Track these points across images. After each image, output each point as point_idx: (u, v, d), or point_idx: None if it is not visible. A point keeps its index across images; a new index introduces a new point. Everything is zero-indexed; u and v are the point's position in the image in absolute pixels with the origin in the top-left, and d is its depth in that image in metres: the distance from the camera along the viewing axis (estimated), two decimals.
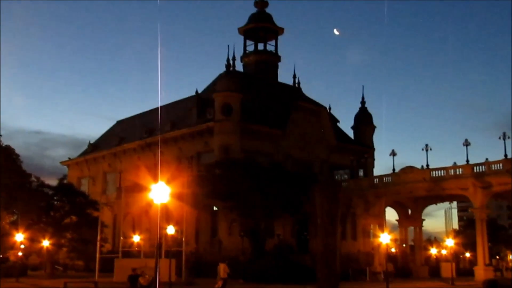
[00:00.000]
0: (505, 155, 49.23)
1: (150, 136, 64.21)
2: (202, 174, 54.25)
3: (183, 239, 42.07)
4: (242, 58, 72.37)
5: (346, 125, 73.59)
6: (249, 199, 48.36)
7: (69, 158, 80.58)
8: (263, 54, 72.78)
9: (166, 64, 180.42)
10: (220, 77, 63.18)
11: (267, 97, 64.97)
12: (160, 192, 16.49)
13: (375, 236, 50.56)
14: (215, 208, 57.15)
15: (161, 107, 61.45)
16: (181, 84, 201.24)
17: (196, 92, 64.34)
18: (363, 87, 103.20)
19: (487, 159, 51.07)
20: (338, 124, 71.83)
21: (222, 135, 57.71)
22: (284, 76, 74.34)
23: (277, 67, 73.54)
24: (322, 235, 21.89)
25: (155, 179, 17.86)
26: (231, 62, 63.24)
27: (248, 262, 46.69)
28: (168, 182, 17.95)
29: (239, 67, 70.20)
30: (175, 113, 64.20)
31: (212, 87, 63.89)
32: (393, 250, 56.92)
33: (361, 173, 68.40)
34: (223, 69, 62.27)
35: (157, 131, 63.34)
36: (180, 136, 61.85)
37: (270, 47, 73.81)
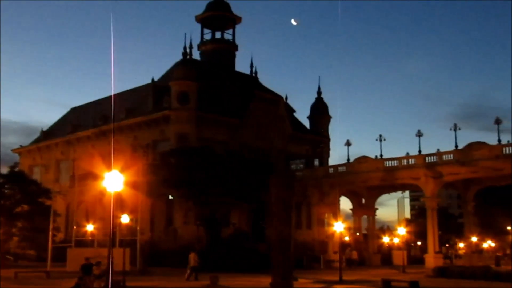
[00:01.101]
0: (456, 146, 50.51)
1: (105, 124, 63.25)
2: (157, 163, 53.88)
3: (138, 228, 41.77)
4: (199, 47, 71.85)
5: (303, 115, 74.20)
6: (205, 188, 48.26)
7: (21, 145, 78.70)
8: (220, 43, 72.42)
9: (122, 52, 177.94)
10: (177, 65, 62.65)
11: (224, 86, 64.79)
12: (113, 181, 16.29)
13: (330, 224, 51.24)
14: (170, 197, 56.81)
15: (116, 94, 60.20)
16: (138, 72, 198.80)
17: (152, 80, 63.64)
18: (319, 77, 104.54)
19: (438, 149, 52.31)
20: (294, 114, 72.26)
21: (178, 123, 57.36)
22: (241, 65, 74.22)
23: (234, 56, 73.33)
24: (276, 224, 22.04)
25: (109, 167, 17.63)
26: (188, 50, 62.68)
27: (204, 251, 46.65)
28: (122, 170, 17.75)
29: (196, 55, 69.74)
30: (130, 101, 63.39)
31: (168, 75, 63.31)
32: (346, 238, 57.77)
33: (316, 162, 69.12)
34: (180, 57, 61.77)
35: (114, 119, 62.45)
36: (136, 124, 61.17)
37: (228, 36, 73.55)
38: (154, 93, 61.68)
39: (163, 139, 58.64)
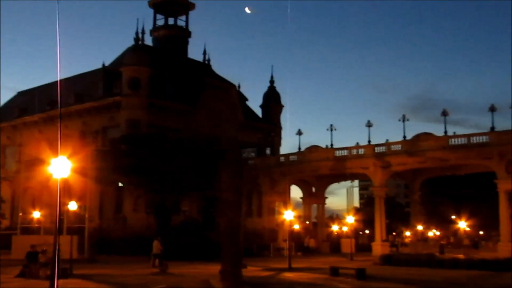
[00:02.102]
0: (404, 137, 51.61)
1: (53, 109, 61.77)
2: (107, 149, 53.05)
3: (86, 215, 41.12)
4: (151, 32, 70.93)
5: (255, 104, 74.35)
6: (156, 175, 47.85)
7: None
8: (173, 29, 71.68)
9: (73, 36, 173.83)
10: (129, 50, 61.68)
11: (176, 73, 64.19)
12: (60, 167, 15.95)
13: (280, 213, 51.66)
14: (120, 184, 56.11)
15: (65, 79, 58.64)
16: (89, 56, 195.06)
17: (103, 65, 62.51)
18: (272, 66, 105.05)
19: (387, 140, 53.38)
20: (247, 102, 72.34)
21: (130, 109, 56.59)
22: (194, 52, 73.80)
23: (187, 43, 72.70)
24: (226, 212, 22.07)
25: (56, 153, 17.23)
26: (140, 35, 61.83)
27: (154, 239, 46.28)
28: (70, 156, 17.39)
29: (148, 41, 68.89)
30: (80, 86, 62.06)
31: (120, 61, 62.26)
32: (296, 226, 58.38)
33: (268, 151, 69.43)
34: (132, 42, 60.85)
35: (61, 104, 60.91)
36: (85, 109, 60.04)
37: (181, 22, 72.88)
38: (105, 78, 60.62)
39: (114, 126, 57.75)
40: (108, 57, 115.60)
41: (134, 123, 56.03)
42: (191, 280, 25.93)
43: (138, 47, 60.38)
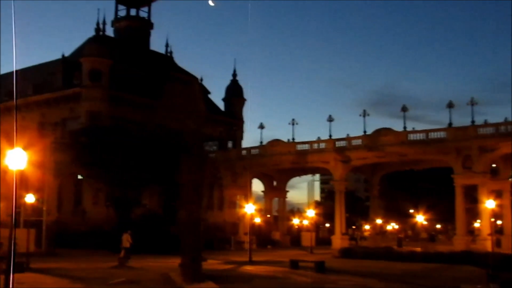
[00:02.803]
0: (364, 132, 52.26)
1: (10, 100, 60.32)
2: (67, 141, 52.15)
3: (44, 208, 40.43)
4: (113, 23, 69.94)
5: (218, 97, 74.19)
6: (116, 168, 47.34)
7: None
8: (135, 20, 70.84)
9: (31, 25, 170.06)
10: (89, 41, 60.71)
11: (138, 65, 63.52)
12: (16, 158, 15.64)
13: (241, 206, 51.77)
14: (80, 177, 55.31)
15: (23, 69, 57.80)
16: (48, 47, 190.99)
17: (63, 55, 61.36)
18: (235, 59, 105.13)
19: (348, 134, 53.95)
20: (209, 95, 72.08)
21: (90, 101, 55.76)
22: (157, 45, 73.05)
23: (149, 34, 71.96)
24: (187, 205, 22.02)
25: (13, 144, 16.88)
26: (101, 26, 60.86)
27: (113, 232, 45.80)
28: (27, 148, 17.05)
29: (109, 32, 67.87)
30: (39, 76, 60.73)
31: (80, 52, 61.20)
32: (257, 220, 58.60)
33: (230, 144, 69.41)
34: (92, 33, 59.89)
35: (17, 94, 59.60)
36: (44, 101, 58.89)
37: (143, 13, 72.06)
38: (64, 69, 59.54)
39: (74, 117, 56.83)
40: (68, 48, 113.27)
41: (94, 115, 55.25)
42: (150, 274, 25.81)
43: (99, 38, 59.49)
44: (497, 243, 46.24)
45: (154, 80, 62.42)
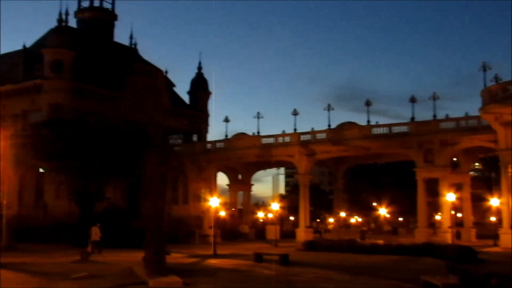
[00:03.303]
0: (329, 125, 52.70)
1: None
2: (28, 134, 51.20)
3: (4, 202, 39.60)
4: (76, 14, 68.72)
5: (183, 90, 73.75)
6: (79, 161, 46.70)
7: None
8: (99, 11, 69.77)
9: None
10: (51, 32, 59.62)
11: (102, 56, 62.61)
12: None
13: (206, 200, 51.63)
14: (41, 170, 54.38)
15: None
16: (9, 38, 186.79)
17: (24, 46, 60.11)
18: (200, 52, 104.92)
19: (313, 128, 54.32)
20: (174, 88, 71.59)
21: (52, 93, 54.81)
22: (121, 36, 72.24)
23: (113, 26, 70.99)
24: (151, 198, 21.84)
25: None
26: (63, 17, 59.85)
27: (76, 226, 45.25)
28: None
29: (72, 23, 66.66)
30: None
31: (42, 43, 60.12)
32: (222, 213, 58.57)
33: (195, 138, 69.15)
34: (55, 24, 58.84)
35: None
36: (4, 92, 57.58)
37: (107, 4, 71.02)
38: (26, 60, 58.39)
39: (35, 109, 55.78)
40: (29, 39, 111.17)
41: (56, 107, 54.36)
42: (113, 268, 25.54)
43: (61, 28, 58.47)
44: (457, 235, 47.31)
45: (118, 72, 61.67)
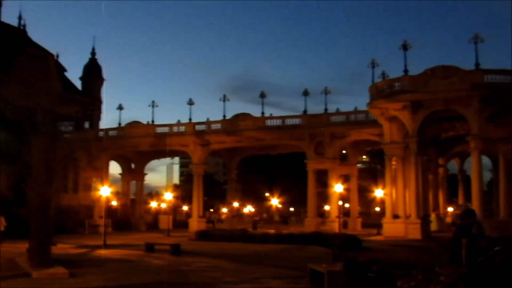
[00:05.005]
0: (224, 116, 53.07)
1: None
2: None
3: None
4: None
5: (75, 75, 71.27)
6: None
7: None
8: None
9: None
10: None
11: None
12: None
13: (97, 189, 50.37)
14: None
15: None
16: None
17: None
18: (94, 37, 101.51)
19: (208, 118, 54.48)
20: (66, 73, 68.92)
21: None
22: (9, 17, 68.40)
23: (0, 5, 67.03)
24: (36, 187, 20.97)
25: None
26: None
27: None
28: None
29: None
30: None
31: None
32: (114, 203, 57.36)
33: (87, 125, 67.08)
34: None
35: None
36: None
37: None
38: None
39: None
40: None
41: None
42: None
43: None
44: (344, 225, 49.39)
45: (4, 54, 58.40)
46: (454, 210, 64.35)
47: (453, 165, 62.57)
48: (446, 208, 60.72)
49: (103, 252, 29.72)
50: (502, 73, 37.74)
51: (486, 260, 9.92)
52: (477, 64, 37.53)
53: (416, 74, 38.98)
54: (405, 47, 39.30)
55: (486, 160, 50.43)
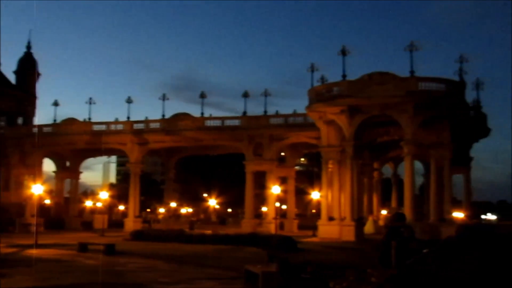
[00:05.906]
0: (163, 115, 52.61)
1: None
2: None
3: None
4: None
5: (8, 69, 68.85)
6: None
7: None
8: None
9: None
10: None
11: None
12: None
13: (29, 187, 48.88)
14: None
15: None
16: None
17: None
18: (30, 31, 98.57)
19: (147, 117, 53.84)
20: None
21: None
22: None
23: None
24: None
25: None
26: None
27: None
28: None
29: None
30: None
31: None
32: (47, 201, 55.81)
33: (20, 121, 64.97)
34: None
35: None
36: None
37: None
38: None
39: None
40: None
41: None
42: None
43: None
44: (281, 226, 49.81)
45: None
46: (387, 213, 65.96)
47: (388, 169, 64.11)
48: (380, 211, 62.17)
49: (34, 251, 28.87)
50: (435, 81, 39.02)
51: (415, 262, 10.25)
52: (412, 72, 38.65)
53: (354, 79, 39.76)
54: (344, 52, 39.99)
55: (418, 165, 52.05)
